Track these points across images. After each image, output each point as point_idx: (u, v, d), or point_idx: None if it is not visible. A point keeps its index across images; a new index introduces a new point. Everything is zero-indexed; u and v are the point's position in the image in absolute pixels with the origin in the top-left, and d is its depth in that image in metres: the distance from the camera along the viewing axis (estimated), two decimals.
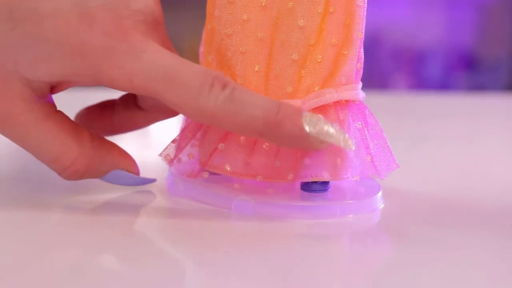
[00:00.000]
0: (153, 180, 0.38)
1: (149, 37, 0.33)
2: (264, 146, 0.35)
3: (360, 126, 0.35)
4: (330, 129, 0.32)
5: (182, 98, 0.32)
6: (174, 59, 0.32)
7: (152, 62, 0.32)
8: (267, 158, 0.35)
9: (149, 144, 0.54)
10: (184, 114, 0.33)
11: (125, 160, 0.36)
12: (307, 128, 0.32)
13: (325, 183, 0.36)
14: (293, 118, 0.32)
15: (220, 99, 0.31)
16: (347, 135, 0.33)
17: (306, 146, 0.33)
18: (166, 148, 0.37)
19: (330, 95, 0.35)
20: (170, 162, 0.37)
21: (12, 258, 0.28)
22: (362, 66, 0.36)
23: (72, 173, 0.34)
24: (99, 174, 0.35)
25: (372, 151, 0.36)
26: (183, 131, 0.37)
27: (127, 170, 0.36)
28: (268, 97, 0.33)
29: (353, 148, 0.33)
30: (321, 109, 0.35)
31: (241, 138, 0.35)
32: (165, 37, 0.36)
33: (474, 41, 1.93)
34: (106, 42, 0.32)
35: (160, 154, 0.37)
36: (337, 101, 0.35)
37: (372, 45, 1.82)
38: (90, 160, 0.34)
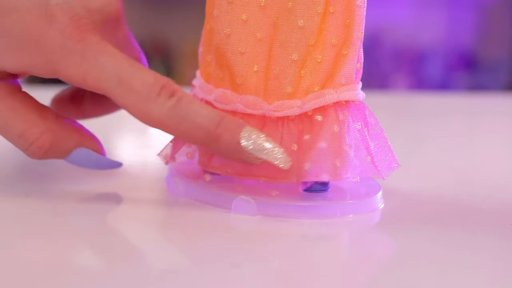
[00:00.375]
0: (120, 164, 0.38)
1: (106, 37, 0.34)
2: None
3: (360, 126, 0.35)
4: (267, 146, 0.33)
5: (130, 103, 0.33)
6: (127, 64, 0.33)
7: (105, 65, 0.33)
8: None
9: (149, 144, 0.54)
10: (134, 116, 0.34)
11: (90, 139, 0.36)
12: (243, 143, 0.33)
13: (325, 183, 0.36)
14: (232, 132, 0.33)
15: (165, 107, 0.33)
16: (284, 154, 0.34)
17: (243, 160, 0.34)
18: (165, 147, 0.37)
19: (330, 96, 0.35)
20: (169, 161, 0.37)
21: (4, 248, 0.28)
22: (362, 66, 0.36)
23: (37, 149, 0.34)
24: (64, 152, 0.35)
25: (372, 152, 0.36)
26: None
27: (91, 149, 0.36)
28: (213, 109, 0.34)
29: (287, 167, 0.34)
30: (320, 110, 0.35)
31: None
32: (126, 35, 0.37)
33: (474, 41, 1.93)
34: (64, 42, 0.33)
35: (158, 154, 0.37)
36: (337, 102, 0.35)
37: (372, 45, 1.82)
38: (54, 137, 0.35)
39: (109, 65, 0.33)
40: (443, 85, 1.87)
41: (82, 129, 0.36)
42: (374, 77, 1.84)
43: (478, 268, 0.30)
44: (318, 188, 0.35)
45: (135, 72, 0.33)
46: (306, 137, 0.34)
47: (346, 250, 0.33)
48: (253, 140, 0.33)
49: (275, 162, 0.34)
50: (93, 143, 0.36)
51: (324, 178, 0.34)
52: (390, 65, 1.88)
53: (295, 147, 0.35)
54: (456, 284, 0.28)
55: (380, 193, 0.37)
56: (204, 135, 0.33)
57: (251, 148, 0.33)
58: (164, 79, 0.33)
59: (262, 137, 0.34)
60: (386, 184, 0.38)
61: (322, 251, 0.32)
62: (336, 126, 0.34)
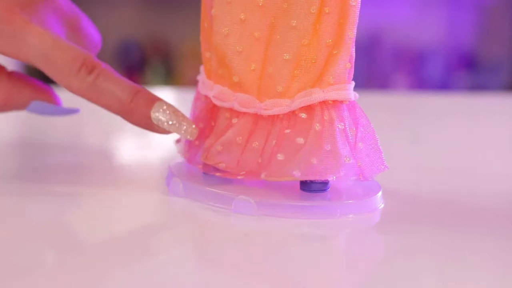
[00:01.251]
0: (77, 110, 0.42)
1: (37, 15, 0.38)
2: (253, 144, 0.35)
3: (343, 126, 0.35)
4: (174, 119, 0.37)
5: (55, 77, 0.37)
6: (52, 43, 0.37)
7: (33, 45, 0.37)
8: (255, 156, 0.35)
9: (149, 144, 0.54)
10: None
11: (43, 92, 0.40)
12: (153, 116, 0.37)
13: (325, 183, 0.36)
14: (144, 107, 0.37)
15: (85, 82, 0.37)
16: (190, 126, 0.37)
17: (154, 131, 0.38)
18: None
19: (316, 95, 0.35)
20: (186, 157, 0.38)
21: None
22: (353, 66, 0.36)
23: None
24: (20, 105, 0.40)
25: (355, 152, 0.35)
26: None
27: (45, 101, 0.40)
28: (129, 84, 0.38)
29: (193, 138, 0.38)
30: (307, 109, 0.35)
31: (238, 138, 0.36)
32: (59, 7, 0.40)
33: (474, 41, 1.93)
34: None
35: (176, 140, 0.39)
36: (324, 101, 0.35)
37: (372, 45, 1.82)
38: (7, 93, 0.39)
39: (36, 45, 0.37)
40: (443, 85, 1.87)
41: (35, 83, 0.40)
42: (374, 77, 1.84)
43: (478, 268, 0.30)
44: (318, 188, 0.35)
45: (58, 51, 0.37)
46: (287, 131, 0.35)
47: (346, 250, 0.33)
48: (162, 114, 0.37)
49: (182, 134, 0.38)
50: (46, 95, 0.40)
51: (296, 174, 0.34)
52: (390, 65, 1.88)
53: (274, 142, 0.35)
54: (456, 284, 0.28)
55: (380, 193, 0.37)
56: (120, 108, 0.38)
57: (160, 121, 0.37)
58: (84, 56, 0.37)
59: (169, 112, 0.37)
60: (386, 184, 0.38)
61: (322, 251, 0.32)
62: (318, 124, 0.34)
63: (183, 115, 0.38)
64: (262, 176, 0.35)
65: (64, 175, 0.41)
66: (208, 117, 0.38)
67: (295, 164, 0.34)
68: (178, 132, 0.38)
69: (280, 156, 0.34)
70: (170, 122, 0.37)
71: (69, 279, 0.26)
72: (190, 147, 0.38)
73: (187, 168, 0.39)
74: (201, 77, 0.39)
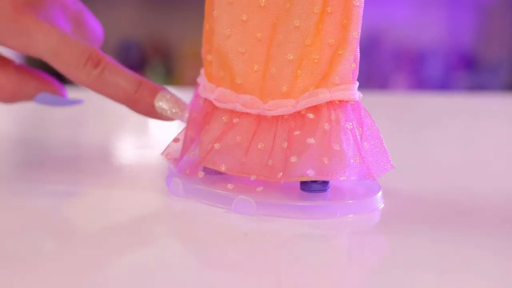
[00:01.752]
0: (80, 101, 0.43)
1: (44, 11, 0.40)
2: (259, 146, 0.35)
3: (351, 126, 0.35)
4: (175, 108, 0.40)
5: (64, 71, 0.40)
6: (59, 39, 0.39)
7: (41, 42, 0.39)
8: (261, 158, 0.35)
9: (149, 144, 0.54)
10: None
11: (49, 84, 0.42)
12: (156, 104, 0.40)
13: (325, 183, 0.36)
14: (148, 97, 0.40)
15: (91, 75, 0.39)
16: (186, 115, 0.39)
17: (157, 118, 0.41)
18: (167, 147, 0.38)
19: (323, 95, 0.35)
20: (174, 161, 0.37)
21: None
22: (358, 66, 0.36)
23: (2, 98, 0.41)
24: (28, 97, 0.42)
25: (363, 152, 0.35)
26: (185, 130, 0.38)
27: (51, 92, 0.42)
28: (133, 75, 0.40)
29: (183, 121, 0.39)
30: (313, 109, 0.35)
31: (238, 137, 0.35)
32: (64, 3, 0.41)
33: (474, 41, 1.93)
34: (5, 23, 0.39)
35: (162, 153, 0.38)
36: (330, 101, 0.35)
37: (372, 45, 1.82)
38: (15, 85, 0.41)
39: (44, 41, 0.39)
40: (443, 85, 1.87)
41: (41, 76, 0.42)
42: (374, 77, 1.84)
43: (478, 268, 0.30)
44: (318, 188, 0.35)
45: (65, 46, 0.39)
46: (296, 132, 0.34)
47: (346, 250, 0.33)
48: (165, 103, 0.39)
49: (184, 121, 0.39)
50: (52, 87, 0.42)
51: (310, 173, 0.34)
52: (390, 65, 1.88)
53: (285, 144, 0.35)
54: (456, 283, 0.28)
55: (380, 193, 0.37)
56: (125, 99, 0.40)
57: (163, 109, 0.40)
58: (90, 50, 0.40)
59: (172, 101, 0.40)
60: (386, 184, 0.38)
61: (322, 251, 0.32)
62: (327, 124, 0.34)
63: (184, 104, 0.40)
64: (279, 176, 0.34)
65: (64, 175, 0.41)
66: (204, 121, 0.38)
67: (308, 164, 0.34)
68: (181, 119, 0.40)
69: (293, 159, 0.34)
70: (173, 110, 0.40)
71: (67, 278, 0.26)
72: (190, 164, 0.38)
73: (184, 165, 0.39)
74: (202, 80, 0.39)
